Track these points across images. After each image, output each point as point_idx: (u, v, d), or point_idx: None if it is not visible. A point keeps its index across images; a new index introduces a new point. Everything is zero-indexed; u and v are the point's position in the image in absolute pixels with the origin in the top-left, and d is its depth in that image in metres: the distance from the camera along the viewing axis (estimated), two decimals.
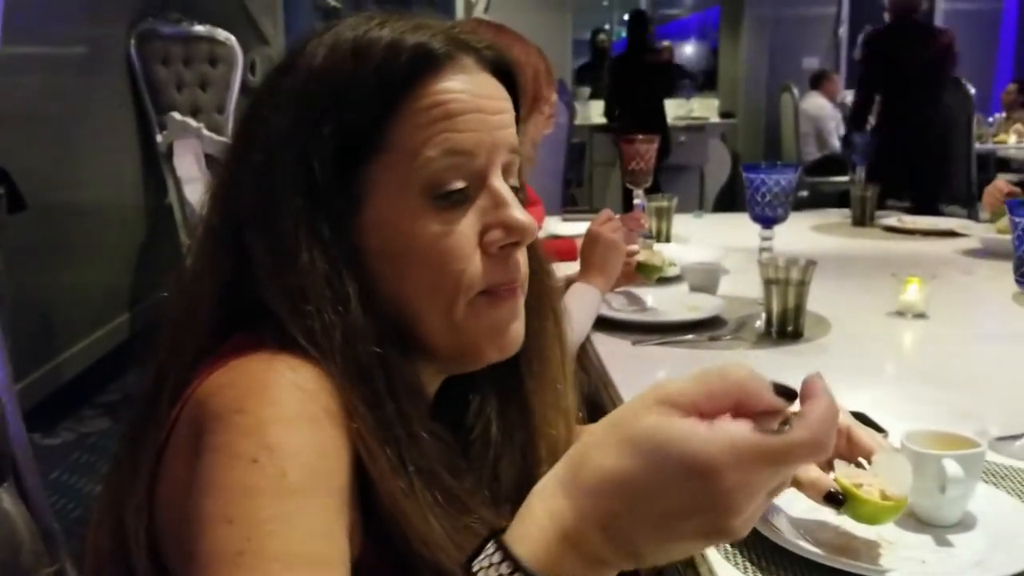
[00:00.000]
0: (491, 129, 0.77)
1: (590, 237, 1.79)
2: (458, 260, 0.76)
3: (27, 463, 1.05)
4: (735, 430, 0.53)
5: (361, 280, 0.74)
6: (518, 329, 0.81)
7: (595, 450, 0.56)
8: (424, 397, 0.79)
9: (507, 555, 0.56)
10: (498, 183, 0.78)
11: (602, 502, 0.55)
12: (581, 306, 1.67)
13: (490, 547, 0.58)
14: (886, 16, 5.39)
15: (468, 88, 0.77)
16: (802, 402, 0.57)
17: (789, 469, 0.55)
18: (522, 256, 0.81)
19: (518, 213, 0.78)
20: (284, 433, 0.65)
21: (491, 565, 0.56)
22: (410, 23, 0.78)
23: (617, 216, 1.84)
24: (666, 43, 7.69)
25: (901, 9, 5.35)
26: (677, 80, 7.31)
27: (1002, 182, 2.85)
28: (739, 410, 0.55)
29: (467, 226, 0.76)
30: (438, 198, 0.75)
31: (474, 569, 0.57)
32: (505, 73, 0.82)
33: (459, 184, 0.76)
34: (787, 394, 0.56)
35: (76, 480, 3.33)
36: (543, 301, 0.88)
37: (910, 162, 5.26)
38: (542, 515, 0.57)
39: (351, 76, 0.75)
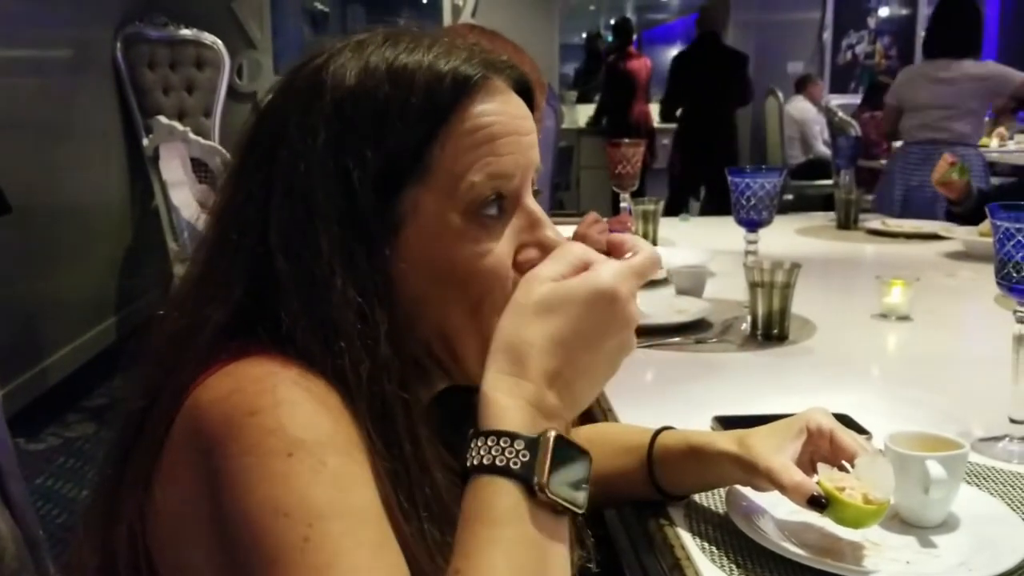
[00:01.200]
0: (524, 150, 0.78)
1: (577, 240, 1.79)
2: (500, 280, 0.76)
3: (11, 469, 1.05)
4: (611, 263, 0.71)
5: (391, 312, 0.73)
6: None
7: (515, 330, 0.68)
8: (429, 414, 0.78)
9: (502, 433, 0.65)
10: (532, 203, 0.79)
11: (547, 363, 0.67)
12: None
13: (479, 441, 0.65)
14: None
15: (505, 110, 0.78)
16: (616, 252, 0.75)
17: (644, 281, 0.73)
18: None
19: (552, 233, 0.79)
20: (306, 425, 0.65)
21: (491, 448, 0.64)
22: (440, 46, 0.78)
23: (604, 220, 1.85)
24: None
25: (703, 27, 6.21)
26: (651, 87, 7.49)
27: (947, 154, 2.96)
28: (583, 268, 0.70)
29: (504, 246, 0.77)
30: (478, 220, 0.75)
31: (475, 463, 0.64)
32: (525, 91, 0.83)
33: (499, 205, 0.77)
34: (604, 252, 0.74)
35: (61, 486, 3.32)
36: None
37: (703, 178, 6.32)
38: (504, 397, 0.66)
39: (392, 101, 0.74)
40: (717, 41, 6.28)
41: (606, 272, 0.69)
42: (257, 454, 0.63)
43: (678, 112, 6.48)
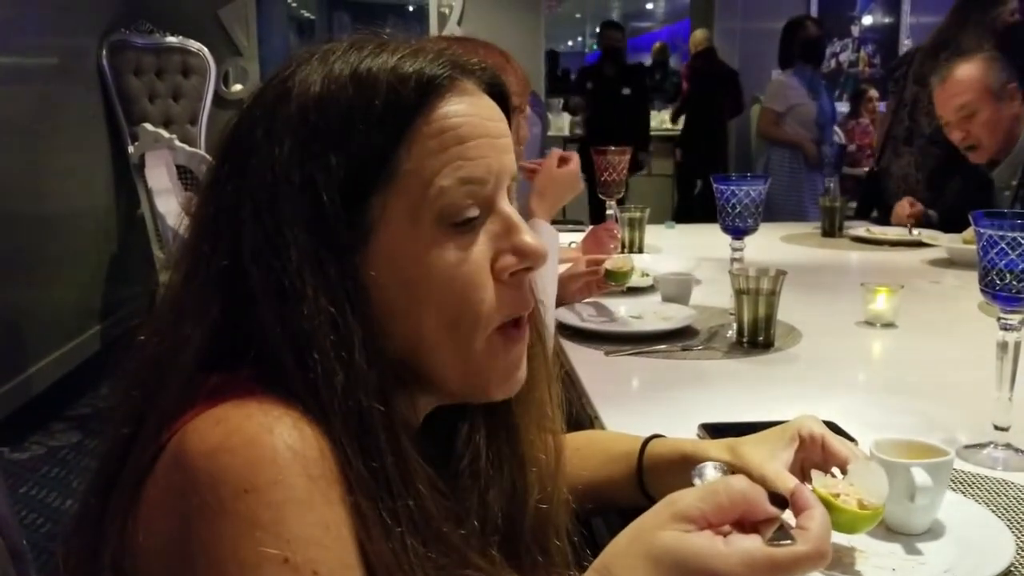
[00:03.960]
0: (498, 153, 0.77)
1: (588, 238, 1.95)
2: (476, 289, 0.74)
3: None
4: (750, 545, 0.62)
5: (365, 323, 0.71)
6: (524, 369, 0.81)
7: (619, 564, 0.63)
8: (417, 437, 0.77)
9: None
10: (507, 208, 0.77)
11: None
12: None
13: None
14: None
15: (474, 112, 0.76)
16: (795, 511, 0.67)
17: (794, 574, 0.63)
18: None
19: (529, 238, 0.77)
20: (303, 520, 0.63)
21: None
22: (406, 48, 0.76)
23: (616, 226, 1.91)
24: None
25: (697, 47, 7.22)
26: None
27: (906, 203, 3.08)
28: (743, 519, 0.63)
29: (479, 253, 0.75)
30: (451, 227, 0.74)
31: None
32: (498, 94, 0.82)
33: (473, 212, 0.75)
34: (780, 502, 0.65)
35: (46, 495, 3.29)
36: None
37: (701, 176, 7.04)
38: None
39: (356, 105, 0.73)
40: (713, 57, 7.06)
41: (735, 558, 0.62)
42: (249, 547, 0.61)
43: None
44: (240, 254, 0.71)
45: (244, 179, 0.73)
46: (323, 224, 0.71)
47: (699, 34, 7.32)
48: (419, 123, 0.73)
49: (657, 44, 9.61)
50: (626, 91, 6.93)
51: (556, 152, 2.02)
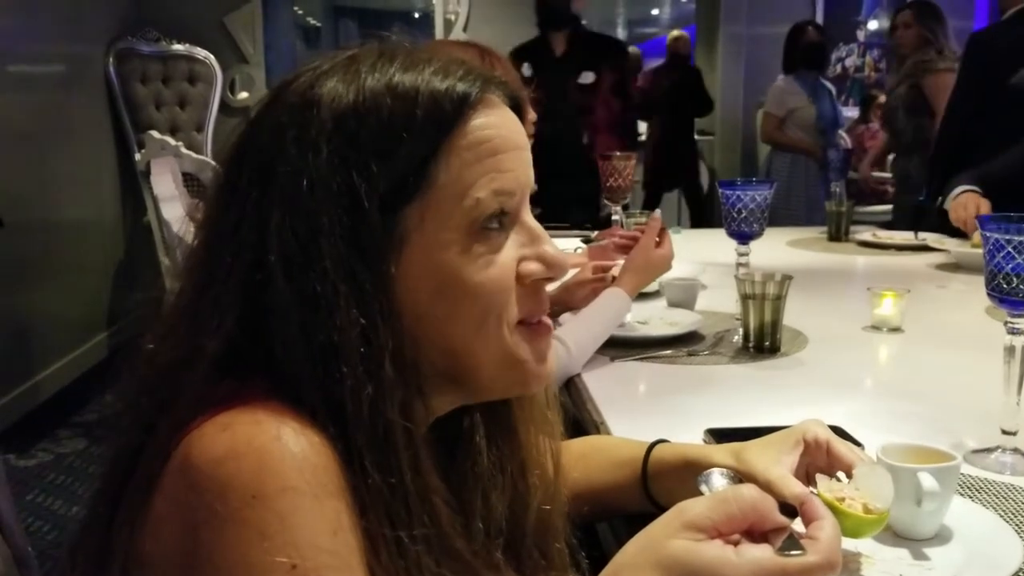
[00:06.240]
0: (524, 166, 0.78)
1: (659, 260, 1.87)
2: (503, 291, 0.76)
3: (0, 485, 1.04)
4: (761, 555, 0.63)
5: (395, 334, 0.71)
6: (552, 361, 0.82)
7: (628, 573, 0.64)
8: (426, 445, 0.76)
9: None
10: (531, 220, 0.79)
11: None
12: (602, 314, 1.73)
13: None
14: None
15: (503, 124, 0.77)
16: (805, 520, 0.68)
17: None
18: None
19: (552, 249, 0.79)
20: (309, 525, 0.62)
21: None
22: (436, 62, 0.77)
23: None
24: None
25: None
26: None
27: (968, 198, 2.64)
28: (752, 528, 0.64)
29: (506, 258, 0.77)
30: (480, 234, 0.75)
31: None
32: (516, 107, 0.82)
33: (501, 220, 0.76)
34: (789, 511, 0.67)
35: (52, 502, 3.30)
36: None
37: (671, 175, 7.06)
38: None
39: (396, 116, 0.73)
40: (686, 63, 7.22)
41: (746, 568, 0.63)
42: (257, 554, 0.61)
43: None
44: (265, 264, 0.70)
45: (270, 187, 0.72)
46: (360, 234, 0.71)
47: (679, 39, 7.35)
48: (455, 135, 0.74)
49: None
50: (587, 78, 4.06)
51: (656, 224, 1.90)
